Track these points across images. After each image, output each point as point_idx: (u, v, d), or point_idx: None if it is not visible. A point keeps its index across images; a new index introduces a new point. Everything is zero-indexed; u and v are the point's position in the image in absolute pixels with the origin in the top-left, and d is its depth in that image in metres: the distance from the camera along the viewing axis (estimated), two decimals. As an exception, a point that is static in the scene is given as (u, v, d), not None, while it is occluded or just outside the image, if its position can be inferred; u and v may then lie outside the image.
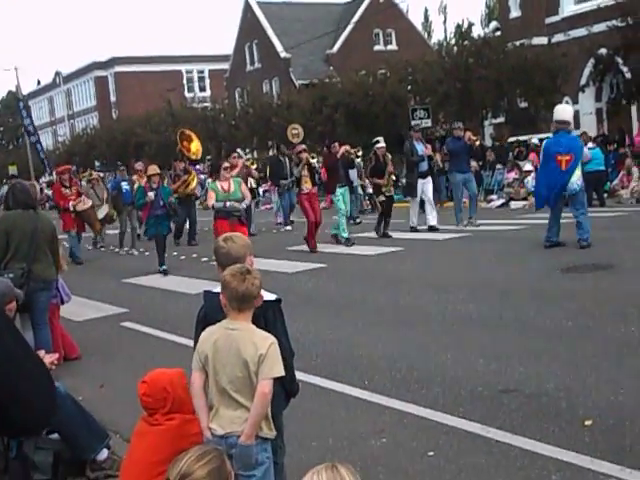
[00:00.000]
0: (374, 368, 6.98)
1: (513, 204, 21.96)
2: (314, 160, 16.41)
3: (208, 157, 46.34)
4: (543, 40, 32.69)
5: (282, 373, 3.66)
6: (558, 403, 5.68)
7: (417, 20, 67.78)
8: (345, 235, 15.90)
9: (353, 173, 20.44)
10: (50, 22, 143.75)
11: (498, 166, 24.69)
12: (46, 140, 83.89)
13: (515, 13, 36.34)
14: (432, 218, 16.99)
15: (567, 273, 10.70)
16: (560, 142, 12.88)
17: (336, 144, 16.34)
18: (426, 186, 16.99)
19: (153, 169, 15.03)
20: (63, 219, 17.31)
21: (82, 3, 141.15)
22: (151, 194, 14.17)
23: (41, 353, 5.88)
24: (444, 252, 13.98)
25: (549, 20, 35.15)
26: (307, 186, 15.61)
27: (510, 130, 30.85)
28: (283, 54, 52.96)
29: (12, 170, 54.89)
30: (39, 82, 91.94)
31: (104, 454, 5.27)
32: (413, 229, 17.03)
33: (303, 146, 16.61)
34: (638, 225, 15.26)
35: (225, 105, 48.90)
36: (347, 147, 16.64)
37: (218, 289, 4.14)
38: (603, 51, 28.26)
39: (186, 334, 8.53)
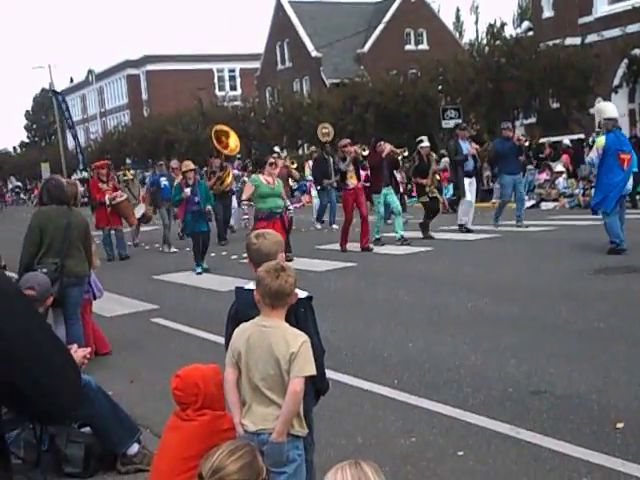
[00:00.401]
0: (403, 367, 6.97)
1: (544, 205, 21.83)
2: (365, 152, 15.83)
3: (238, 155, 46.54)
4: (576, 40, 32.41)
5: (314, 372, 3.66)
6: (589, 405, 5.64)
7: (448, 20, 67.38)
8: (376, 235, 15.66)
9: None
10: (83, 20, 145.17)
11: (529, 167, 24.53)
12: (78, 137, 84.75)
13: (548, 13, 36.07)
14: (470, 220, 16.74)
15: (598, 274, 10.62)
16: (621, 140, 12.53)
17: (382, 142, 15.60)
18: (471, 186, 16.69)
19: (187, 165, 14.70)
20: (97, 215, 17.15)
21: (115, 1, 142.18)
22: (187, 190, 13.90)
23: (73, 348, 5.93)
24: (474, 252, 13.92)
25: (582, 20, 34.84)
26: (352, 181, 15.28)
27: (541, 131, 30.63)
28: (314, 53, 52.99)
29: (44, 167, 55.39)
30: (72, 80, 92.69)
31: (135, 448, 5.31)
32: (462, 228, 16.64)
33: (348, 140, 16.17)
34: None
35: (256, 104, 49.01)
36: (392, 146, 16.04)
37: (250, 286, 4.16)
38: (637, 52, 28.02)
39: (216, 331, 8.56)
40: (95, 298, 8.68)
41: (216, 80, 75.84)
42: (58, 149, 62.18)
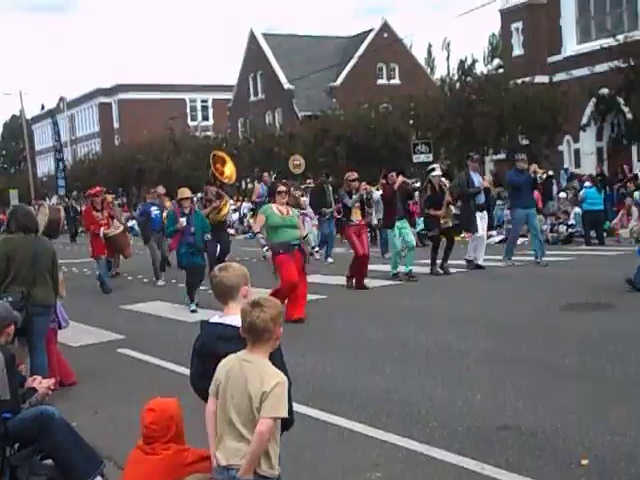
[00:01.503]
0: (370, 401, 6.95)
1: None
2: (377, 192, 15.31)
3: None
4: (545, 79, 32.94)
5: (284, 415, 3.60)
6: (555, 441, 5.65)
7: (420, 55, 68.16)
8: (394, 271, 15.13)
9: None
10: (55, 48, 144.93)
11: (498, 202, 24.74)
12: (48, 165, 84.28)
13: (518, 51, 36.67)
14: (481, 256, 16.12)
15: (566, 311, 10.70)
16: None
17: (393, 174, 15.07)
18: (482, 221, 16.20)
19: (183, 192, 13.65)
20: (93, 244, 16.38)
21: (87, 30, 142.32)
22: (183, 220, 13.01)
23: (37, 379, 5.87)
24: (447, 287, 13.94)
25: (551, 59, 35.46)
26: (356, 217, 14.50)
27: (510, 166, 30.94)
28: (287, 85, 53.32)
29: (12, 194, 54.80)
30: (43, 107, 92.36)
31: (98, 481, 5.23)
32: (471, 264, 15.97)
33: (355, 175, 15.22)
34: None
35: (227, 134, 49.16)
36: (403, 177, 15.45)
37: (215, 319, 4.16)
38: (605, 91, 28.47)
39: (183, 362, 8.49)
40: (60, 327, 8.59)
41: (188, 110, 76.00)
42: (27, 176, 61.80)
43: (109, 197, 18.89)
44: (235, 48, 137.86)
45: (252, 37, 57.82)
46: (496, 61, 42.97)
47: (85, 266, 20.64)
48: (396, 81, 55.36)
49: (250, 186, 44.61)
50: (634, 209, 21.17)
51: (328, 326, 10.83)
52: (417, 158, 28.23)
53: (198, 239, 13.03)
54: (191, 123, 67.80)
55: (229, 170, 18.05)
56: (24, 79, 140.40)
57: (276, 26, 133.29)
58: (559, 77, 33.59)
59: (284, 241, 11.26)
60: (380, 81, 54.86)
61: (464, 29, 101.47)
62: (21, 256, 7.42)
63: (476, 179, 16.12)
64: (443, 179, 16.42)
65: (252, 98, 58.32)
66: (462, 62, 34.39)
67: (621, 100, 27.95)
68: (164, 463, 4.08)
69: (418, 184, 16.27)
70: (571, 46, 35.33)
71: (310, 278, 15.13)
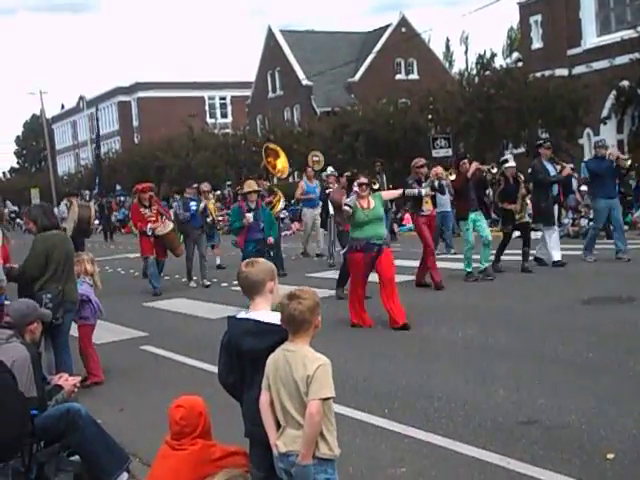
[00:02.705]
0: (394, 397, 6.96)
1: (533, 234, 21.86)
2: (452, 177, 13.52)
3: (228, 182, 46.62)
4: (565, 72, 32.75)
5: (331, 394, 3.74)
6: (580, 435, 5.64)
7: (439, 50, 67.90)
8: (468, 269, 13.84)
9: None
10: (75, 47, 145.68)
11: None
12: (68, 163, 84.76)
13: (537, 44, 36.43)
14: (558, 252, 14.66)
15: (588, 305, 10.66)
16: None
17: (466, 161, 13.80)
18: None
19: (250, 185, 12.73)
20: (141, 243, 15.50)
21: (107, 28, 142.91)
22: (250, 216, 12.12)
23: (64, 376, 5.93)
24: (459, 281, 13.86)
25: (571, 52, 35.20)
26: (428, 207, 13.34)
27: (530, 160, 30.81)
28: (305, 82, 53.27)
29: (34, 193, 55.18)
30: (63, 106, 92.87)
31: (124, 477, 5.28)
32: (558, 264, 14.41)
33: (423, 160, 13.87)
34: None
35: (246, 132, 49.17)
36: (478, 164, 14.10)
37: (242, 314, 4.19)
38: (625, 83, 28.29)
39: (205, 358, 8.56)
40: (100, 316, 8.69)
41: (207, 107, 76.16)
42: (48, 175, 62.17)
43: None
44: (253, 45, 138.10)
45: (270, 34, 57.81)
46: (515, 54, 42.72)
47: (108, 263, 20.82)
48: (414, 76, 55.18)
49: (267, 183, 44.64)
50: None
51: (344, 322, 10.74)
52: (437, 153, 28.15)
53: (267, 233, 12.30)
54: (210, 120, 67.93)
55: (281, 164, 17.30)
56: (44, 79, 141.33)
57: (294, 22, 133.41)
58: (579, 70, 33.35)
59: (365, 237, 10.22)
60: (398, 76, 54.68)
61: (482, 23, 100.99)
62: (58, 253, 7.57)
63: (551, 168, 14.81)
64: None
65: (270, 95, 58.33)
66: (481, 56, 34.22)
67: (642, 92, 27.80)
68: (192, 458, 4.12)
69: (495, 170, 14.13)
70: (591, 38, 35.06)
71: (320, 274, 15.22)
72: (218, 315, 11.21)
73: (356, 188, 10.78)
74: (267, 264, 4.30)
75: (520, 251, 14.55)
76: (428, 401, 6.74)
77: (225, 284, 15.19)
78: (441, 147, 28.22)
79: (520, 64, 35.61)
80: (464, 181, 13.55)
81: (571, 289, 11.95)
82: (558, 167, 14.97)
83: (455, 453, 5.53)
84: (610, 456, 5.19)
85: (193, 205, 16.19)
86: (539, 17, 36.28)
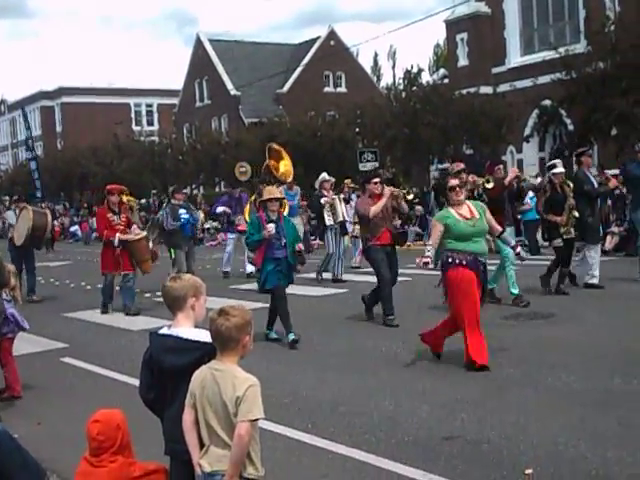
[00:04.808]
0: (317, 411, 6.96)
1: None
2: (490, 185, 11.69)
3: (153, 191, 46.16)
4: (489, 89, 33.44)
5: (260, 416, 3.68)
6: (499, 451, 5.72)
7: (367, 64, 68.63)
8: (514, 291, 11.97)
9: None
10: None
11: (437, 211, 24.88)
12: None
13: (463, 62, 37.14)
14: (595, 274, 13.23)
15: (508, 320, 10.83)
16: None
17: (501, 167, 12.17)
18: None
19: (271, 192, 10.64)
20: (103, 256, 13.36)
21: (30, 31, 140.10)
22: (271, 227, 10.00)
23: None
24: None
25: (496, 70, 35.98)
26: None
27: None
28: (233, 92, 53.20)
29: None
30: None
31: (41, 495, 5.14)
32: (590, 286, 13.14)
33: (462, 165, 12.35)
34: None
35: (173, 140, 48.83)
36: (516, 170, 12.71)
37: (164, 330, 4.14)
38: (547, 102, 29.01)
39: (126, 371, 8.45)
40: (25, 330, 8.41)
41: (133, 115, 75.39)
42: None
43: (126, 198, 14.29)
44: (181, 53, 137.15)
45: (198, 42, 57.60)
46: (441, 71, 43.44)
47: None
48: (342, 89, 55.70)
49: (195, 192, 44.38)
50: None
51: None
52: (363, 166, 28.35)
53: (290, 253, 10.20)
54: (135, 128, 67.22)
55: (284, 166, 15.95)
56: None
57: (223, 32, 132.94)
58: (503, 88, 34.12)
59: (471, 251, 8.23)
60: (327, 89, 55.09)
61: (410, 38, 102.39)
62: None
63: (591, 178, 13.66)
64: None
65: (198, 104, 58.06)
66: (408, 71, 34.68)
67: (563, 112, 28.52)
68: (111, 476, 4.03)
69: (539, 180, 12.81)
70: (515, 58, 35.91)
71: (245, 286, 15.04)
72: (139, 327, 11.07)
73: (373, 186, 10.63)
74: (192, 280, 4.22)
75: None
76: (352, 416, 6.75)
77: (148, 294, 14.97)
78: (368, 161, 28.43)
79: (446, 80, 36.24)
80: (499, 190, 11.93)
81: (490, 305, 11.95)
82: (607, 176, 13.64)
83: (378, 468, 5.54)
84: (528, 471, 5.25)
85: (183, 213, 14.72)
86: (465, 35, 37.02)
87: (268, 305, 10.55)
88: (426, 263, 7.91)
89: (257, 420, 3.73)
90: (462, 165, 12.31)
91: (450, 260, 8.17)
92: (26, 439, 5.75)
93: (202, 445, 3.80)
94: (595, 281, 13.10)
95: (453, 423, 6.40)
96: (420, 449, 5.87)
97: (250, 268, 17.04)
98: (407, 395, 7.33)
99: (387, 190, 10.97)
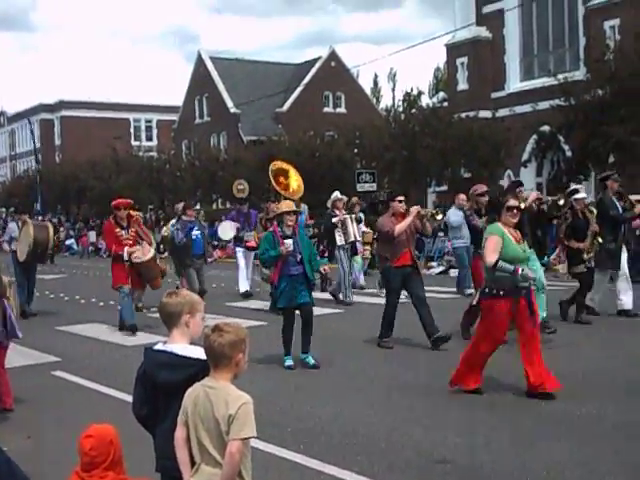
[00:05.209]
0: (310, 432, 6.91)
1: (452, 272, 22.22)
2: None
3: (150, 206, 46.19)
4: (488, 114, 33.58)
5: (252, 434, 3.64)
6: (491, 476, 5.68)
7: (367, 85, 68.93)
8: (544, 315, 10.90)
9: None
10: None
11: (440, 234, 24.97)
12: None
13: (463, 86, 37.34)
14: (628, 299, 12.90)
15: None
16: None
17: (522, 189, 11.70)
18: (623, 255, 13.01)
19: (288, 205, 10.10)
20: (114, 270, 12.89)
21: (33, 45, 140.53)
22: (289, 243, 9.48)
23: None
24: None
25: (495, 95, 36.15)
26: None
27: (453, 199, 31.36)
28: (233, 109, 53.35)
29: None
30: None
31: (29, 509, 5.08)
32: (629, 313, 12.82)
33: (484, 187, 11.84)
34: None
35: (171, 156, 48.91)
36: (538, 193, 12.20)
37: (158, 346, 4.11)
38: (546, 128, 29.12)
39: (118, 386, 8.40)
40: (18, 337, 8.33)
41: (132, 130, 75.53)
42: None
43: (134, 213, 13.77)
44: (182, 70, 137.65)
45: (200, 60, 57.81)
46: (441, 94, 43.64)
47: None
48: (342, 110, 55.87)
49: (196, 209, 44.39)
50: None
51: (265, 355, 10.67)
52: (361, 187, 28.43)
53: (309, 270, 9.62)
54: (134, 143, 67.33)
55: (295, 182, 15.28)
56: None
57: (225, 50, 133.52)
58: (502, 113, 34.26)
59: (513, 280, 7.62)
60: (326, 109, 55.29)
61: (410, 61, 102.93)
62: None
63: (617, 203, 13.05)
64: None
65: (197, 120, 58.20)
66: (407, 94, 34.85)
67: (561, 138, 28.63)
68: (101, 493, 4.00)
69: (562, 202, 11.99)
70: (514, 83, 36.11)
71: (241, 304, 15.04)
72: (133, 342, 11.02)
73: (397, 205, 10.44)
74: (188, 297, 4.18)
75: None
76: (345, 437, 6.71)
77: (145, 310, 14.92)
78: (366, 182, 28.52)
79: (445, 104, 36.38)
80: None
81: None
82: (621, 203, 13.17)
83: (369, 491, 5.51)
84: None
85: (196, 231, 14.60)
86: (465, 59, 37.24)
87: (266, 323, 10.52)
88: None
89: (249, 438, 3.68)
90: (484, 187, 11.89)
91: (490, 290, 7.79)
92: (16, 453, 5.69)
93: (193, 463, 3.76)
94: (593, 305, 12.85)
95: (446, 446, 6.36)
96: (412, 472, 5.83)
97: (244, 287, 17.04)
98: (401, 417, 7.29)
99: (414, 209, 10.75)
